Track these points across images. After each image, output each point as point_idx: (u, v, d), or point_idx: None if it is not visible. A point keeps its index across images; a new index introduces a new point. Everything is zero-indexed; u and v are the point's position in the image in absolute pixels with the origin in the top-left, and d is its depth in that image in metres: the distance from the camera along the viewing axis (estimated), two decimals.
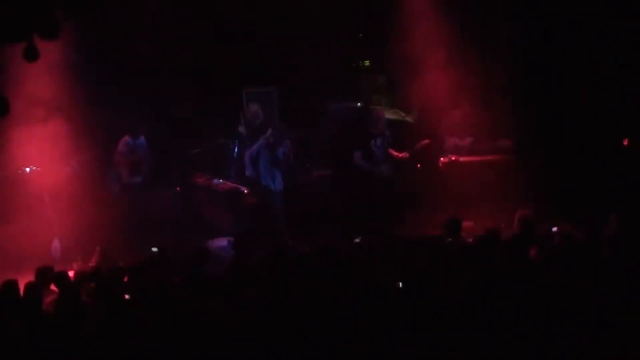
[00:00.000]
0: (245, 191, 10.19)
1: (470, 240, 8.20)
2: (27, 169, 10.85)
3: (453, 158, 11.23)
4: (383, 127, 10.40)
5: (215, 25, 11.77)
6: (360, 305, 6.18)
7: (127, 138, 10.72)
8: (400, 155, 10.42)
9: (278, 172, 10.35)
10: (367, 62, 13.49)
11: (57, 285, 7.04)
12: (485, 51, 11.49)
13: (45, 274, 7.12)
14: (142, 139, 10.85)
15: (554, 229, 8.38)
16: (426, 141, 10.97)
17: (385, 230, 10.08)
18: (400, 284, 6.47)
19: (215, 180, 10.33)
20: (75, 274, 7.68)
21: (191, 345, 5.85)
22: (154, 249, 8.38)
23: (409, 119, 13.47)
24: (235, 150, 10.91)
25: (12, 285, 6.67)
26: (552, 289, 6.33)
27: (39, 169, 10.92)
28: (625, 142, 10.62)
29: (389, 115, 12.86)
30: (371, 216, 10.55)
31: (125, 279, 7.31)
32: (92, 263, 9.51)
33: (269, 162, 10.27)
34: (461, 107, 11.39)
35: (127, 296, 6.61)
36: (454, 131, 11.25)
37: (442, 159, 11.26)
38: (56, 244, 10.36)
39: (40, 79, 10.51)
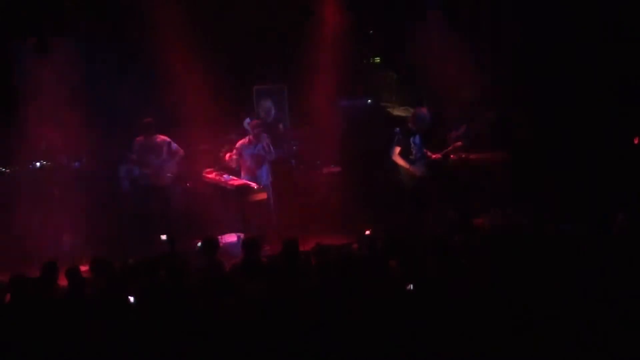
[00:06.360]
0: (255, 187, 10.21)
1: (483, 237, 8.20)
2: (38, 164, 10.91)
3: (463, 155, 11.25)
4: (425, 126, 10.38)
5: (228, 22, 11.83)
6: (370, 304, 6.19)
7: (138, 138, 10.66)
8: (434, 156, 10.48)
9: (263, 166, 10.42)
10: (377, 59, 13.50)
11: (68, 280, 7.06)
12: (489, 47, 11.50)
13: (52, 269, 7.13)
14: (158, 137, 10.64)
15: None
16: (459, 143, 11.04)
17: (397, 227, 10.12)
18: (411, 286, 6.45)
19: (225, 176, 10.34)
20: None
21: (201, 343, 5.88)
22: (163, 237, 8.48)
23: None
24: None
25: (21, 280, 6.71)
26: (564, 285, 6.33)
27: (49, 163, 10.99)
28: (636, 141, 10.60)
29: (400, 112, 12.90)
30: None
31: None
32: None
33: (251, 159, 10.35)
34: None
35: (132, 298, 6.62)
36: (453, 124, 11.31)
37: (452, 156, 11.28)
38: (66, 239, 10.41)
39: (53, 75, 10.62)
